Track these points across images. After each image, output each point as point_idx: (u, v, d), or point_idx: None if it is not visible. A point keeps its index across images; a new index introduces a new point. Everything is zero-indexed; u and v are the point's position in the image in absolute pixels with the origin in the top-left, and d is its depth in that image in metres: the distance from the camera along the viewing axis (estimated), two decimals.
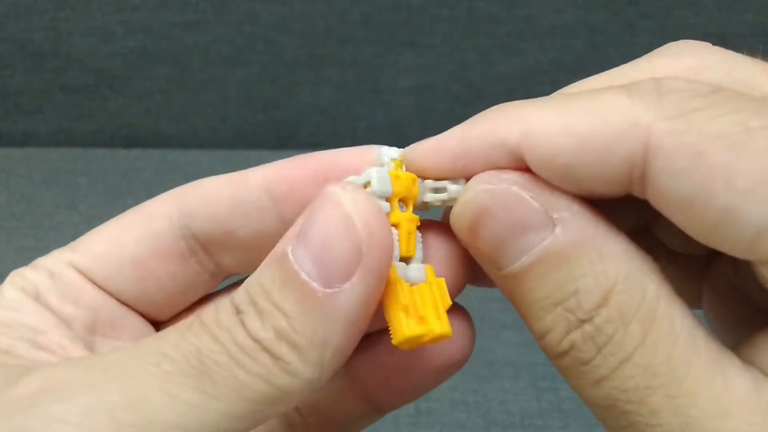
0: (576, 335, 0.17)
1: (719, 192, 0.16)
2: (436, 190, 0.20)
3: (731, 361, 0.17)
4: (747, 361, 0.18)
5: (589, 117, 0.18)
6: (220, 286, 0.25)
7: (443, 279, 0.20)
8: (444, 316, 0.19)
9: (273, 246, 0.21)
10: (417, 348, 0.19)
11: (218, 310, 0.18)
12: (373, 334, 0.22)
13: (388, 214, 0.19)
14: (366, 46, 0.70)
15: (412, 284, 0.19)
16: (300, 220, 0.18)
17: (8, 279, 0.22)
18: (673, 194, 0.17)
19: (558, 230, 0.18)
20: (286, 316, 0.17)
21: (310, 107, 0.73)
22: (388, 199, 0.20)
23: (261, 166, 0.22)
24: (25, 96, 0.73)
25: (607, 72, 0.21)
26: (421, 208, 0.21)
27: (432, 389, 0.23)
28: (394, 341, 0.19)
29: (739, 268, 0.22)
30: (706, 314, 0.25)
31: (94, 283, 0.22)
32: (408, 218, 0.20)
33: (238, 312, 0.18)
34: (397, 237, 0.19)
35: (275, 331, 0.17)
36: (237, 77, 0.72)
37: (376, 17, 0.69)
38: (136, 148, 0.74)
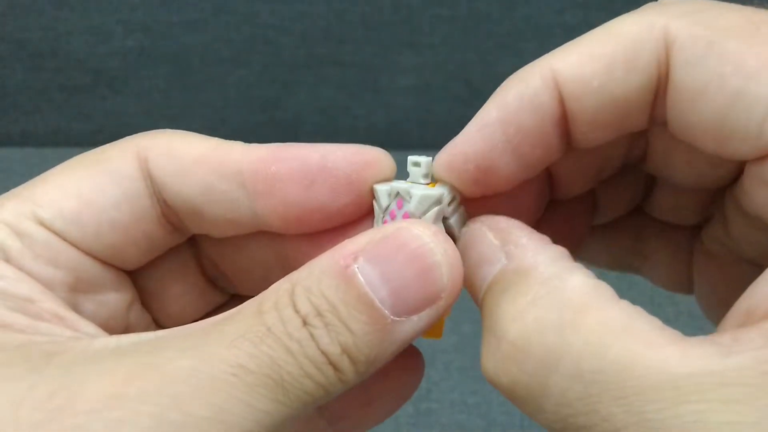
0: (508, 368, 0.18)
1: (730, 75, 0.18)
2: None
3: (684, 340, 0.16)
4: (738, 318, 0.17)
5: (607, 38, 0.19)
6: None
7: None
8: (442, 323, 0.21)
9: (243, 228, 0.22)
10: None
11: (284, 321, 0.18)
12: None
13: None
14: (366, 46, 0.70)
15: None
16: (368, 236, 0.19)
17: None
18: (689, 84, 0.18)
19: (504, 259, 0.19)
20: (353, 335, 0.18)
21: (310, 107, 0.73)
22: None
23: (240, 148, 0.22)
24: (24, 96, 0.73)
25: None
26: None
27: (384, 419, 0.24)
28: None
29: (730, 223, 0.23)
30: (697, 289, 0.25)
31: (68, 242, 0.21)
32: None
33: (305, 324, 0.18)
34: None
35: (341, 347, 0.18)
36: (236, 77, 0.72)
37: (375, 17, 0.69)
38: None
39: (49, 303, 0.20)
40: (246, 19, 0.70)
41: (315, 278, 0.18)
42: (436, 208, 0.21)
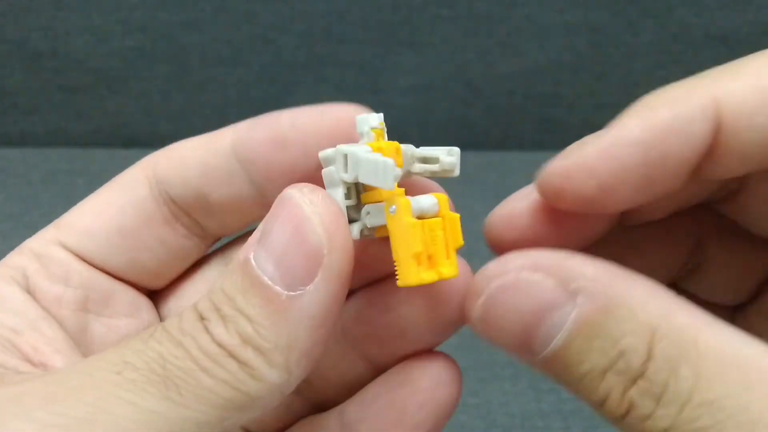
0: (632, 393, 0.17)
1: None
2: (426, 160, 0.20)
3: None
4: None
5: None
6: (213, 248, 0.24)
7: (458, 215, 0.19)
8: (453, 256, 0.19)
9: (250, 209, 0.22)
10: (417, 290, 0.19)
11: (181, 318, 0.18)
12: (366, 295, 0.22)
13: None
14: (366, 46, 0.70)
15: (423, 215, 0.18)
16: (261, 226, 0.18)
17: None
18: None
19: (580, 299, 0.17)
20: (250, 321, 0.17)
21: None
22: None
23: (231, 127, 0.22)
24: (23, 96, 0.73)
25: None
26: (405, 178, 0.20)
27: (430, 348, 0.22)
28: (399, 284, 0.18)
29: None
30: None
31: (83, 259, 0.22)
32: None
33: (201, 318, 0.17)
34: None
35: (240, 337, 0.17)
36: (236, 77, 0.72)
37: (375, 17, 0.69)
38: (134, 148, 0.73)
39: (33, 337, 0.20)
40: (246, 19, 0.69)
41: (221, 279, 0.18)
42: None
